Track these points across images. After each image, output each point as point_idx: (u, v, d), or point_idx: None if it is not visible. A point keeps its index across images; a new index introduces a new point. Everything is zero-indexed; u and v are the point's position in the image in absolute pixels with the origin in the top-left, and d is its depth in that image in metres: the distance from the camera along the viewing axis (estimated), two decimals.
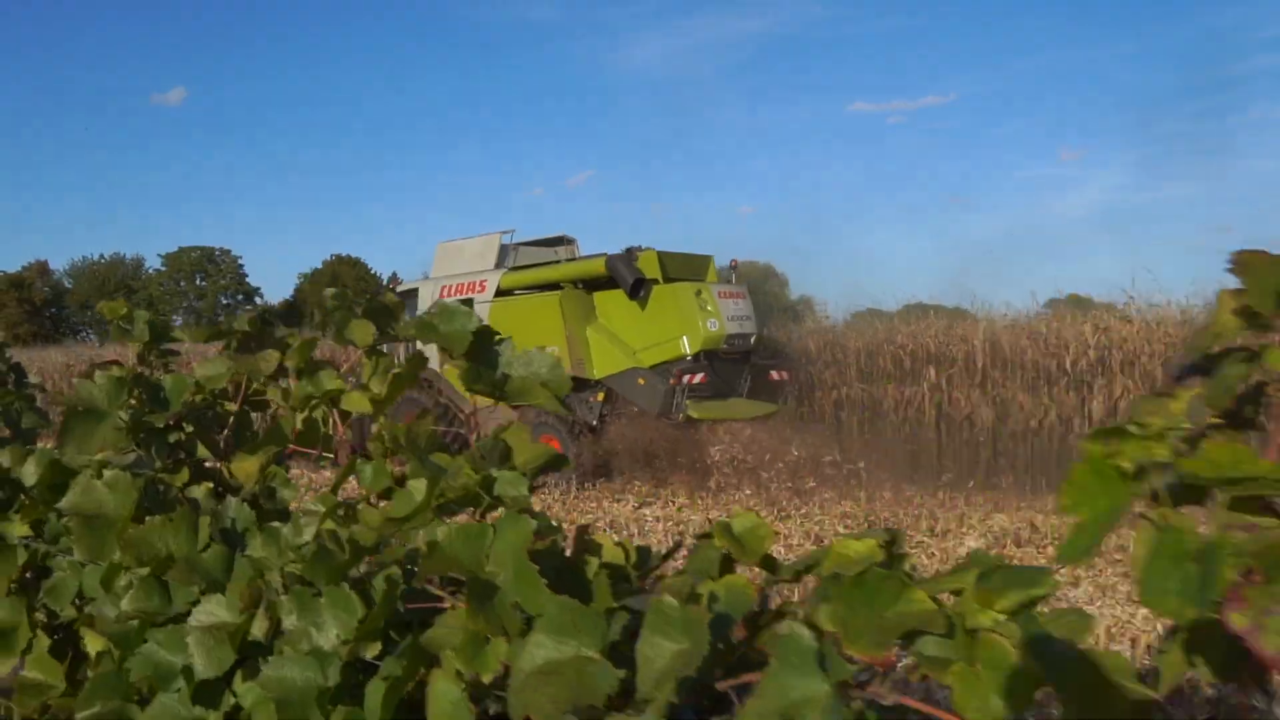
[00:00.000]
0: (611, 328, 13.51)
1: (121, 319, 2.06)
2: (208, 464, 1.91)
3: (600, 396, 13.54)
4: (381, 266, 76.39)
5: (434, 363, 14.70)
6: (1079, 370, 15.03)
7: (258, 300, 77.98)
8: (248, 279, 79.19)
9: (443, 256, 15.38)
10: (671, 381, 12.65)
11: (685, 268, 13.78)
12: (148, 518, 1.44)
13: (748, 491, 12.68)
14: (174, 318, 74.34)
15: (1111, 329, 15.29)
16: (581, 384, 13.56)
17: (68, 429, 1.65)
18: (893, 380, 16.36)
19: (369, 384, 1.66)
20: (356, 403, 1.67)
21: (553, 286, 13.91)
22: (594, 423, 13.52)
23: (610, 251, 13.56)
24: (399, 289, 16.06)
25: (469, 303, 14.71)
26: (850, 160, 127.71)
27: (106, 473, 1.54)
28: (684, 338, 12.94)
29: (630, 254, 13.39)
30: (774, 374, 14.01)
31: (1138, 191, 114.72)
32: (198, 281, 77.16)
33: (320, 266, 77.04)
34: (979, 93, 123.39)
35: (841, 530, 10.25)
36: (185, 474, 1.80)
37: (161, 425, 1.80)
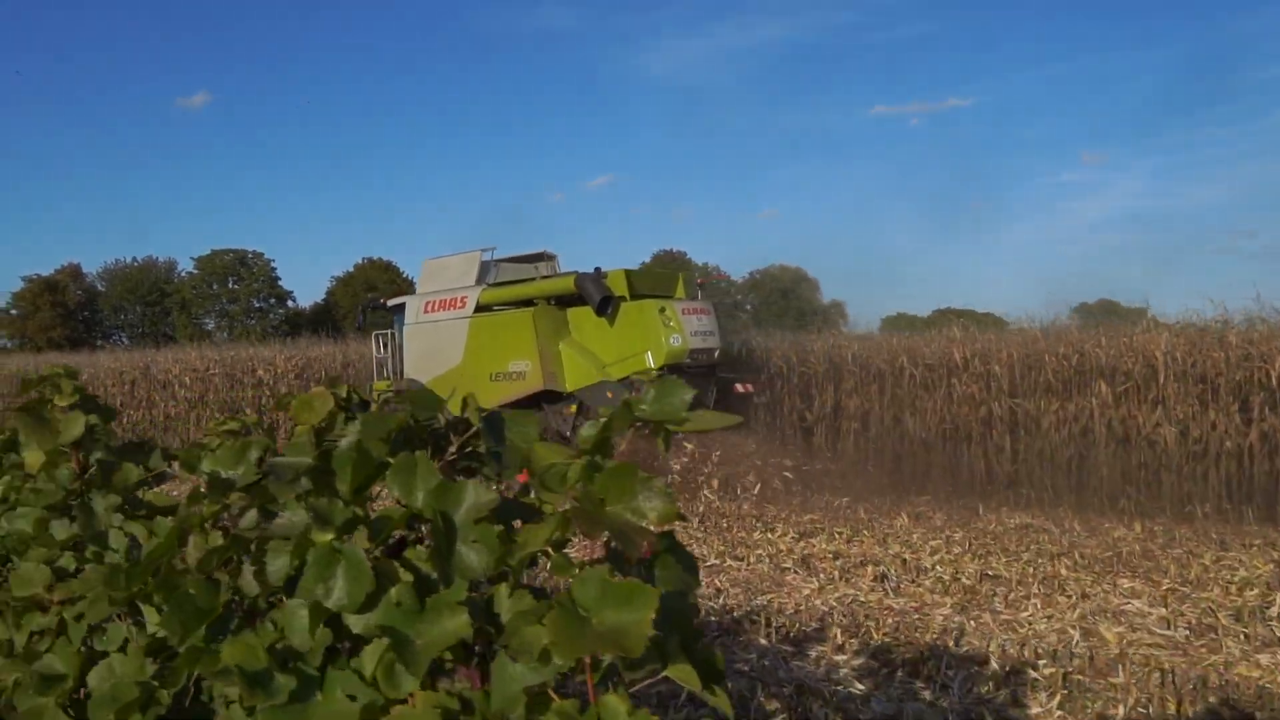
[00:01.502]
0: (583, 342, 14.63)
1: None
2: None
3: (573, 409, 14.67)
4: (413, 270, 78.13)
5: (419, 374, 15.95)
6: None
7: (290, 304, 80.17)
8: (280, 282, 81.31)
9: (428, 273, 16.65)
10: (633, 394, 13.72)
11: (653, 285, 14.87)
12: None
13: (904, 521, 12.40)
14: (206, 321, 76.67)
15: None
16: (555, 396, 14.73)
17: None
18: (1056, 395, 15.20)
19: None
20: None
21: (529, 302, 15.08)
22: (567, 434, 14.62)
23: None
24: (390, 303, 17.36)
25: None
26: (872, 163, 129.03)
27: None
28: (648, 352, 14.01)
29: (599, 272, 14.53)
30: (739, 386, 15.06)
31: (1161, 196, 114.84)
32: (230, 285, 79.23)
33: (352, 270, 79.09)
34: (1001, 95, 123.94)
35: (1064, 572, 9.16)
36: None
37: None
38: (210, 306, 77.85)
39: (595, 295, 14.17)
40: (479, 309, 15.45)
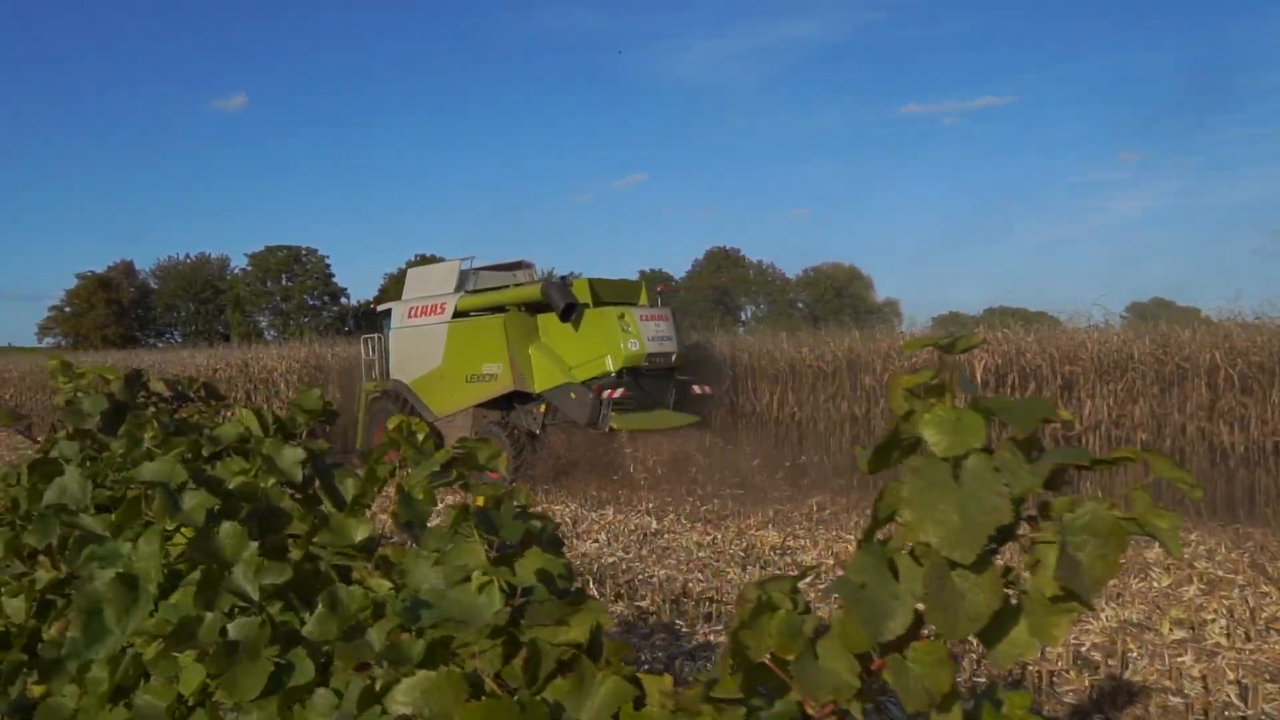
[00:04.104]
0: (551, 346, 16.29)
1: None
2: None
3: (543, 409, 16.34)
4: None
5: (403, 376, 17.78)
6: None
7: (343, 301, 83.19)
8: (334, 279, 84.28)
9: (412, 280, 18.53)
10: (591, 396, 15.40)
11: (615, 292, 16.48)
12: None
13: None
14: (259, 318, 79.86)
15: None
16: (525, 396, 16.44)
17: None
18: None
19: None
20: None
21: (502, 309, 16.81)
22: (536, 431, 16.31)
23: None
24: (378, 309, 19.26)
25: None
26: (903, 162, 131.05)
27: None
28: (608, 356, 15.63)
29: (564, 281, 16.22)
30: (696, 388, 16.62)
31: (1197, 195, 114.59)
32: (284, 281, 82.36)
33: (405, 267, 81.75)
34: (1036, 94, 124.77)
35: None
36: None
37: None
38: (264, 304, 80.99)
39: (559, 302, 15.84)
40: (457, 315, 17.21)
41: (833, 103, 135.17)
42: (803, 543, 11.38)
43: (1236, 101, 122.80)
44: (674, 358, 16.31)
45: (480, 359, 16.66)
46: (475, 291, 17.51)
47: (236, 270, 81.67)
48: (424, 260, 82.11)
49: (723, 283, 74.71)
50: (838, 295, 67.70)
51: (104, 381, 2.80)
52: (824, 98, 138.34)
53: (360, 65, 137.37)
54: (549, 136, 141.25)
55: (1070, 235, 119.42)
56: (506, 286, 17.50)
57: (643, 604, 8.41)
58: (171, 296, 77.35)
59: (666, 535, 11.89)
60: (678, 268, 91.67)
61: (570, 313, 15.85)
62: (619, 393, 15.49)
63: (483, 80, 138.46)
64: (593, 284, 16.21)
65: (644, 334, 15.80)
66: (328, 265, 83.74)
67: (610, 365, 15.61)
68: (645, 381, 15.98)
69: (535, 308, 16.61)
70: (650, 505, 13.98)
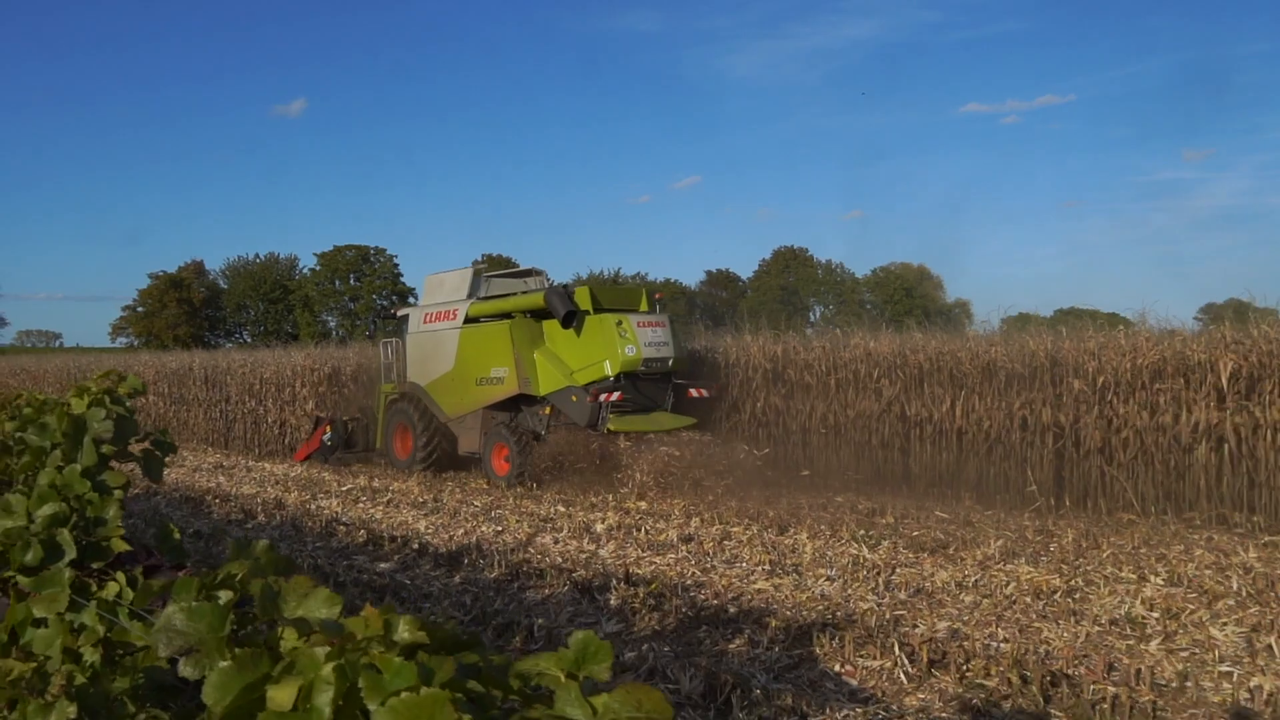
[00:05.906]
0: (555, 351, 17.43)
1: None
2: None
3: (547, 410, 17.52)
4: (529, 262, 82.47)
5: (419, 378, 19.11)
6: None
7: (411, 301, 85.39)
8: (403, 279, 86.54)
9: (429, 287, 19.87)
10: (589, 399, 16.53)
11: (616, 299, 17.56)
12: None
13: None
14: (327, 318, 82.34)
15: None
16: (531, 399, 17.64)
17: None
18: None
19: None
20: None
21: (509, 315, 18.03)
22: (541, 432, 17.50)
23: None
24: (397, 314, 20.68)
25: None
26: (962, 163, 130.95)
27: None
28: (606, 361, 16.73)
29: (567, 288, 17.37)
30: (693, 391, 17.62)
31: (1263, 194, 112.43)
32: (352, 281, 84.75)
33: (471, 266, 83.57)
34: (1098, 92, 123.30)
35: None
36: None
37: None
38: (332, 304, 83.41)
39: (560, 309, 16.97)
40: (468, 320, 18.48)
41: (892, 103, 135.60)
42: (1077, 582, 9.52)
43: None
44: (670, 362, 17.35)
45: (489, 363, 17.90)
46: (486, 298, 18.76)
47: (305, 270, 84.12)
48: (490, 260, 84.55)
49: (791, 283, 75.69)
50: (907, 295, 67.99)
51: None
52: (880, 99, 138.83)
53: (418, 68, 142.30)
54: (606, 137, 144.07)
55: (1134, 236, 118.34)
56: (516, 293, 18.71)
57: (986, 681, 6.75)
58: (241, 296, 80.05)
59: (900, 570, 10.13)
60: (745, 267, 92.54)
61: (571, 319, 16.96)
62: (615, 396, 16.59)
63: (541, 80, 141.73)
64: (593, 291, 17.32)
65: (641, 340, 16.85)
66: (396, 265, 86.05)
67: (608, 370, 16.68)
68: (643, 385, 17.02)
69: (541, 314, 17.77)
70: (843, 531, 12.32)
